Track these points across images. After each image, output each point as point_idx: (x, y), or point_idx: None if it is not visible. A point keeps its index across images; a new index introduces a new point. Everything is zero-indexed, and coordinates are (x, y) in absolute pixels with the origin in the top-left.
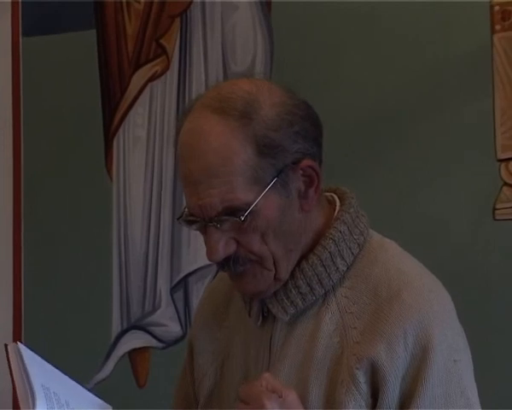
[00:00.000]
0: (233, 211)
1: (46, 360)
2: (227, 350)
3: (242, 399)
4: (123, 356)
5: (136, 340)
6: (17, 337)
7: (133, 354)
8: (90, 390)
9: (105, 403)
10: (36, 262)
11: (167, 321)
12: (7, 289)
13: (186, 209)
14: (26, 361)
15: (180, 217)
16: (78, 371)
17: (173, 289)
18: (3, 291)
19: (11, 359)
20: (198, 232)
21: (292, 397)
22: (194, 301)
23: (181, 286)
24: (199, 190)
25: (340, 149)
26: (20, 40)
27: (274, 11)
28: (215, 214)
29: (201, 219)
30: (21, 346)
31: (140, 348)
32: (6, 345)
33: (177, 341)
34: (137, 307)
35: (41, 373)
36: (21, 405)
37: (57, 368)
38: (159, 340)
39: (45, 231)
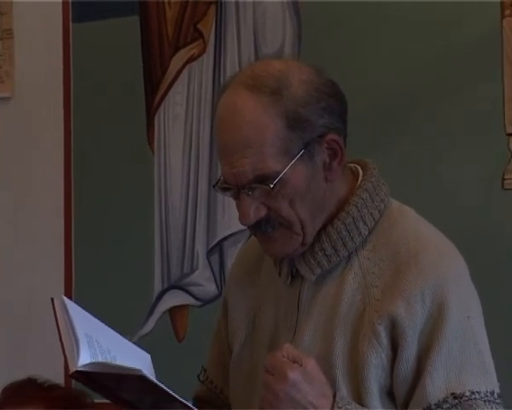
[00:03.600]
0: (263, 179)
1: (93, 315)
2: (259, 305)
3: (267, 370)
4: (164, 313)
5: (175, 298)
6: (68, 296)
7: (173, 311)
8: (129, 340)
9: (144, 351)
10: (85, 229)
11: (204, 281)
12: (59, 252)
13: (221, 178)
14: (71, 312)
15: (216, 184)
16: (124, 326)
17: (209, 253)
18: (56, 253)
19: (57, 310)
20: (232, 201)
21: (311, 365)
22: (229, 264)
23: (216, 250)
24: (233, 159)
25: (358, 126)
26: (71, 26)
27: None
28: (247, 182)
29: (235, 187)
30: (66, 299)
31: (179, 306)
32: (52, 299)
33: (212, 299)
34: (177, 269)
35: (84, 323)
36: (66, 352)
37: (102, 322)
38: (196, 298)
39: (94, 200)
